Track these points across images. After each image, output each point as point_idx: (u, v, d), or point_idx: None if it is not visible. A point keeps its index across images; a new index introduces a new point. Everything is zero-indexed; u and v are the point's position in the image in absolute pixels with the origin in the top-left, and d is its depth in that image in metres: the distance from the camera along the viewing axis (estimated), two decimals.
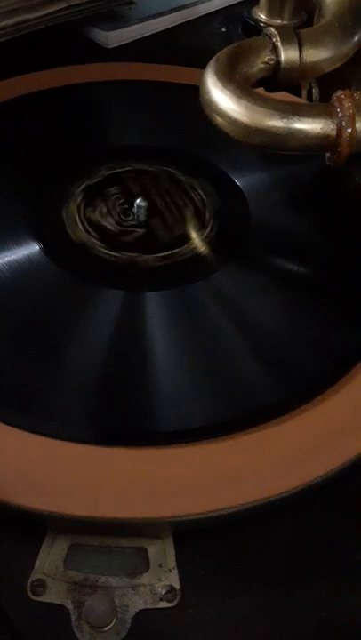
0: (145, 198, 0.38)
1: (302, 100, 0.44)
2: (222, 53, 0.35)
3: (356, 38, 0.37)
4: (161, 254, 0.36)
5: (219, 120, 0.34)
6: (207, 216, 0.38)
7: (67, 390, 0.30)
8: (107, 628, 0.25)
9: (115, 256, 0.36)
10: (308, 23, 0.48)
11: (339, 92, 0.33)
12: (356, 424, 0.30)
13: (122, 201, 0.38)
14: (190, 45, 0.56)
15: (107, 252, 0.36)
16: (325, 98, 0.35)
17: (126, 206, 0.38)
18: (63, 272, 0.34)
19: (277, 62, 0.36)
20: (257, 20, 0.55)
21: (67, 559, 0.26)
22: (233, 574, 0.27)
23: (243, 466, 0.28)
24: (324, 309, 0.34)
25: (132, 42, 0.56)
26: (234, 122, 0.33)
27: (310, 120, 0.32)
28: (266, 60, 0.36)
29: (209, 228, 0.37)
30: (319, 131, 0.32)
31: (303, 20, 0.53)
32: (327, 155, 0.35)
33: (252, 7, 0.56)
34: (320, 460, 0.29)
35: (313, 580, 0.27)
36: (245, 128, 0.33)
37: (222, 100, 0.33)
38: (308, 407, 0.31)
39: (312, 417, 0.30)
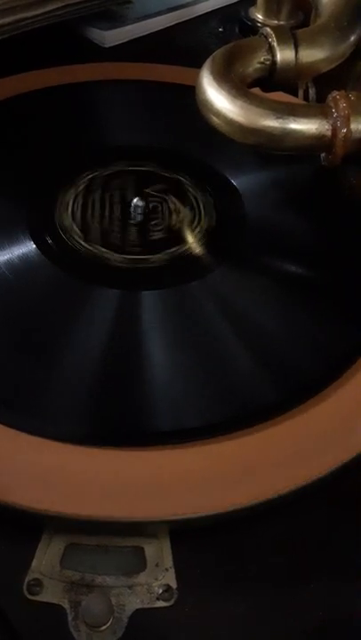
0: (141, 198, 0.38)
1: (299, 100, 0.45)
2: (218, 53, 0.35)
3: (352, 38, 0.37)
4: (157, 254, 0.36)
5: (215, 120, 0.34)
6: (204, 216, 0.38)
7: (63, 390, 0.30)
8: (103, 628, 0.25)
9: (111, 255, 0.36)
10: (306, 24, 0.48)
11: (334, 93, 0.33)
12: (356, 423, 0.30)
13: (118, 200, 0.38)
14: (187, 45, 0.56)
15: (103, 251, 0.36)
16: (322, 98, 0.35)
17: (123, 205, 0.38)
18: (59, 271, 0.34)
19: (273, 62, 0.36)
20: (254, 20, 0.55)
21: (63, 558, 0.26)
22: (230, 574, 0.27)
23: (241, 466, 0.28)
24: (321, 309, 0.34)
25: (128, 41, 0.56)
26: (230, 122, 0.33)
27: (306, 120, 0.32)
28: (262, 60, 0.36)
29: (205, 228, 0.37)
30: (314, 131, 0.32)
31: (300, 20, 0.53)
32: (322, 155, 0.35)
33: (249, 7, 0.56)
34: (319, 459, 0.29)
35: (312, 580, 0.27)
36: (241, 128, 0.33)
37: (218, 99, 0.33)
38: (306, 407, 0.31)
39: (311, 416, 0.30)
